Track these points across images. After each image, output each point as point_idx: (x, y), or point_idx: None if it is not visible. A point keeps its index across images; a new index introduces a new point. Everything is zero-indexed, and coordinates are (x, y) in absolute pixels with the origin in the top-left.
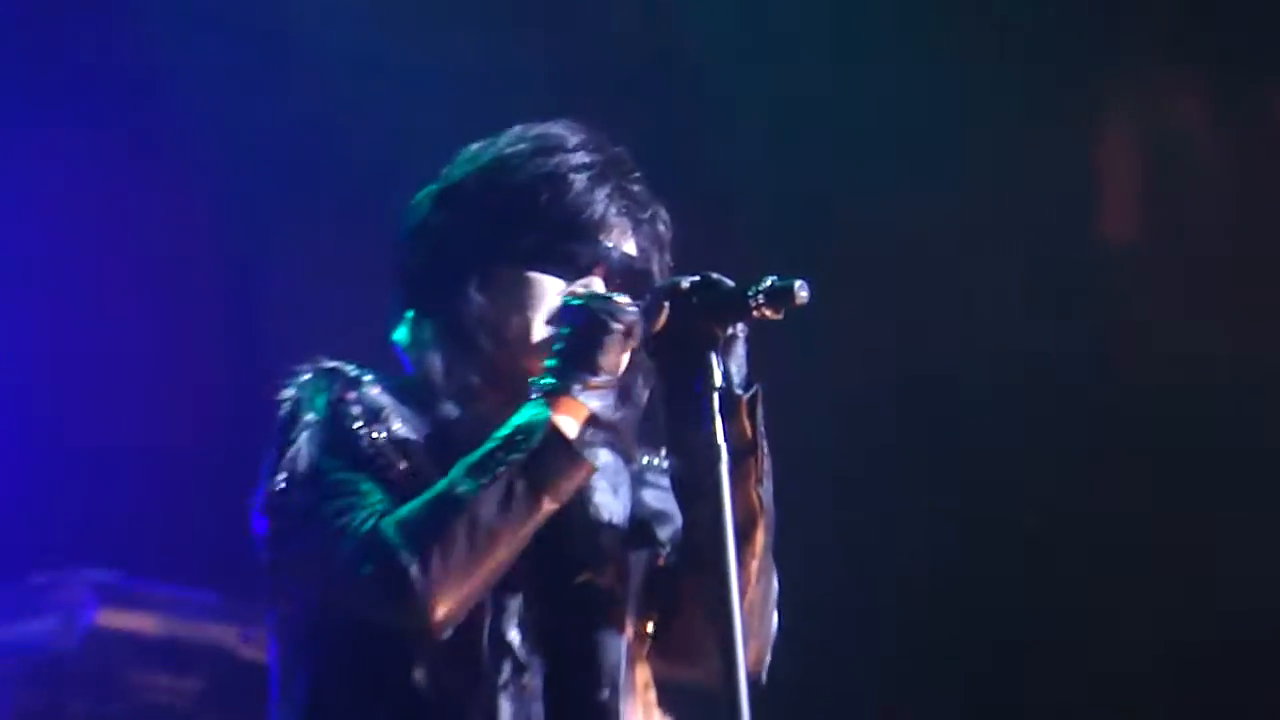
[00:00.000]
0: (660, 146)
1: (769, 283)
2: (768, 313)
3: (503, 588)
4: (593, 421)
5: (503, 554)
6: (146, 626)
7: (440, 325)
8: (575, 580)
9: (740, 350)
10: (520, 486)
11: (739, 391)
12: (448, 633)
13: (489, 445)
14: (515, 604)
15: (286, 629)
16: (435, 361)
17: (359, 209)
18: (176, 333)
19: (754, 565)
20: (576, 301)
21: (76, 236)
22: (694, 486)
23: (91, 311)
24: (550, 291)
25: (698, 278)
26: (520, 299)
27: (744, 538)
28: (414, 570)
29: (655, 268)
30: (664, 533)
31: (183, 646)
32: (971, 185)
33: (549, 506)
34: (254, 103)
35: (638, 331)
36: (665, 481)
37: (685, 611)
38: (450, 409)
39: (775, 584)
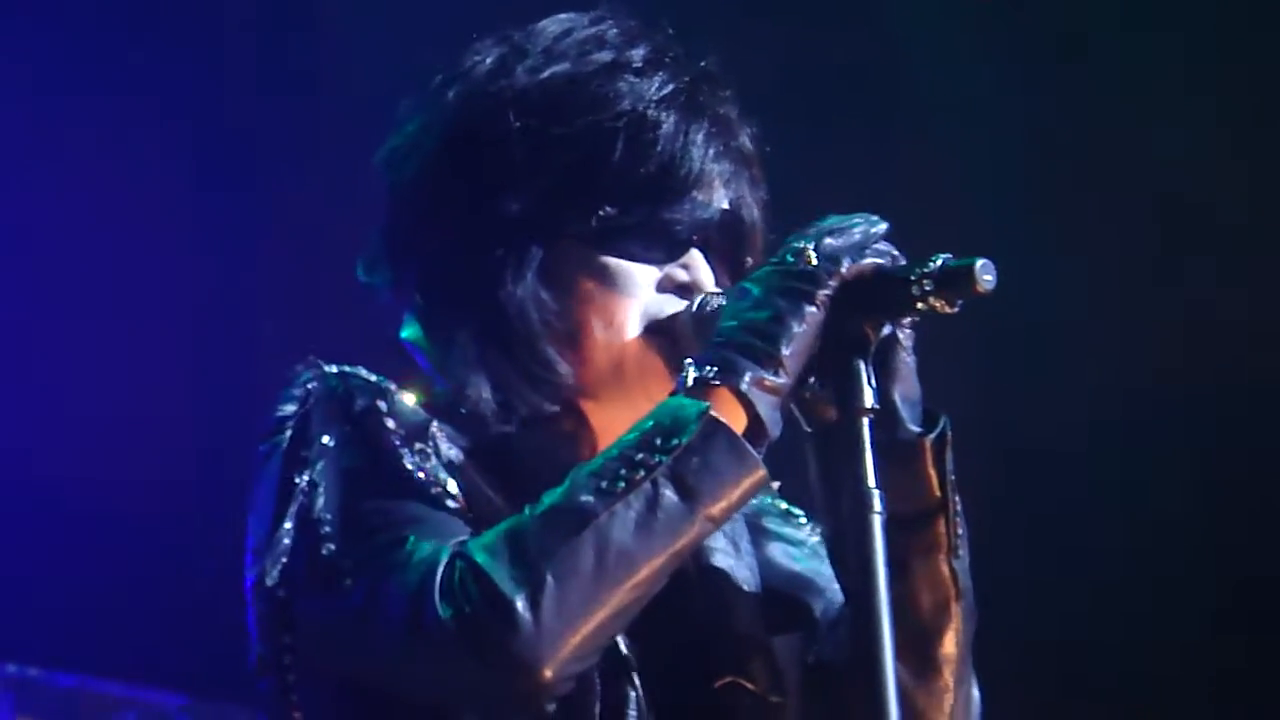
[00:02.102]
0: None
1: (939, 262)
2: (936, 304)
3: (604, 705)
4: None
5: (641, 590)
6: None
7: (486, 335)
8: (712, 685)
9: (906, 362)
10: (669, 496)
11: (914, 428)
12: (552, 705)
13: (616, 448)
14: None
15: None
16: (481, 390)
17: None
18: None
19: (946, 673)
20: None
21: None
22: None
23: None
24: (640, 285)
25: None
26: (601, 297)
27: (933, 632)
28: (520, 604)
29: (753, 217)
30: (816, 606)
31: None
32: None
33: (706, 528)
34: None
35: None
36: (794, 531)
37: None
38: (513, 430)
39: (975, 698)
